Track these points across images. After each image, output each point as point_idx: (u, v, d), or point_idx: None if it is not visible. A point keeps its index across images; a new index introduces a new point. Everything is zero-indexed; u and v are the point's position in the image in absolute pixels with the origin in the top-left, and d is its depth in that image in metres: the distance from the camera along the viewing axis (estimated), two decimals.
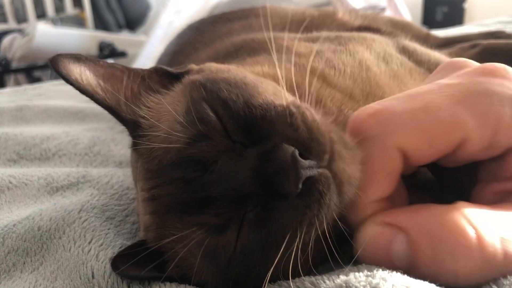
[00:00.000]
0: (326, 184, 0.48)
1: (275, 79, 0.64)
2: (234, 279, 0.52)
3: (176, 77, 0.65)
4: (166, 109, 0.58)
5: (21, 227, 0.70)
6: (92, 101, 0.59)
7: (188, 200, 0.51)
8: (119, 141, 1.16)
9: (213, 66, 0.68)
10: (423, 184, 0.65)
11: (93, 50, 4.31)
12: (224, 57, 0.96)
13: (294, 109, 0.52)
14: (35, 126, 1.27)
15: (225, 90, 0.55)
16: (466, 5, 5.00)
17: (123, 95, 0.60)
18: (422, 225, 0.46)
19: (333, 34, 1.00)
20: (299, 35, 1.01)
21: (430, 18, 5.18)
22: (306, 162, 0.47)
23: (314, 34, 1.03)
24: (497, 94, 0.47)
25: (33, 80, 4.24)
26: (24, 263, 0.66)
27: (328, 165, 0.49)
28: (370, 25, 1.32)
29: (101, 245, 0.63)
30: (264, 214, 0.49)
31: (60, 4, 5.08)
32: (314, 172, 0.48)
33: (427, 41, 1.60)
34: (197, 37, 1.26)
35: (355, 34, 0.99)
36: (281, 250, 0.49)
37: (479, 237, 0.43)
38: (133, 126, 0.59)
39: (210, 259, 0.51)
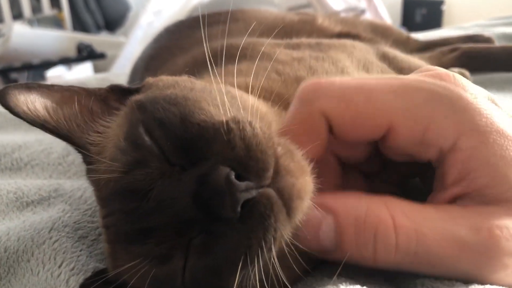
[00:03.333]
0: (269, 205, 0.45)
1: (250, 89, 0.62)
2: None
3: (134, 94, 0.62)
4: (112, 133, 0.56)
5: None
6: None
7: (130, 231, 0.49)
8: None
9: (163, 80, 0.65)
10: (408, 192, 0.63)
11: (72, 52, 4.23)
12: (202, 64, 0.92)
13: (233, 125, 0.48)
14: (6, 133, 1.22)
15: (161, 110, 0.52)
16: (445, 8, 5.06)
17: (77, 120, 0.59)
18: (349, 210, 0.47)
19: (313, 40, 0.98)
20: (279, 41, 0.99)
21: (409, 20, 5.23)
22: (242, 184, 0.44)
23: (294, 40, 1.01)
24: (435, 93, 0.48)
25: (9, 82, 4.14)
26: None
27: (273, 182, 0.46)
28: (350, 31, 1.31)
29: (72, 269, 0.59)
30: (210, 240, 0.47)
31: (37, 5, 4.97)
32: (252, 194, 0.44)
33: (407, 44, 1.61)
34: (174, 42, 1.22)
35: (335, 41, 0.98)
36: (237, 276, 0.46)
37: (396, 226, 0.45)
38: (84, 154, 0.58)
39: None
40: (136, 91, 0.63)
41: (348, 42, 0.96)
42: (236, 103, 0.54)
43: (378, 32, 1.54)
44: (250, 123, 0.49)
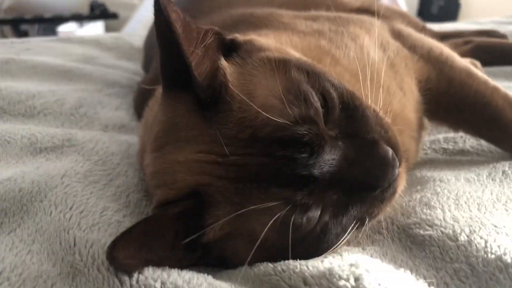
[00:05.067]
0: (399, 183, 0.59)
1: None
2: (296, 253, 0.54)
3: (228, 46, 0.63)
4: (254, 80, 0.58)
5: (2, 188, 0.69)
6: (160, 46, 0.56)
7: (287, 175, 0.52)
8: (106, 104, 1.14)
9: (270, 44, 0.67)
10: None
11: (84, 10, 4.19)
12: (222, 29, 0.93)
13: (382, 114, 0.61)
14: (20, 81, 1.24)
15: (328, 79, 0.58)
16: (462, 1, 5.00)
17: (197, 53, 0.56)
18: None
19: (332, 14, 0.98)
20: (298, 13, 0.99)
21: (425, 11, 5.17)
22: (398, 164, 0.56)
23: (313, 12, 1.02)
24: None
25: (19, 33, 4.11)
26: (2, 224, 0.65)
27: None
28: (369, 7, 1.31)
29: (82, 211, 0.62)
30: (344, 200, 0.55)
31: None
32: (397, 172, 0.56)
33: (423, 33, 1.61)
34: (193, 5, 1.22)
35: (354, 16, 0.98)
36: (346, 235, 0.56)
37: None
38: (206, 89, 0.56)
39: (282, 232, 0.52)
40: (230, 43, 0.64)
41: (366, 18, 0.97)
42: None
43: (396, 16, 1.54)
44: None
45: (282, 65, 0.58)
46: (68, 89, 1.19)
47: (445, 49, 0.93)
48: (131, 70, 1.51)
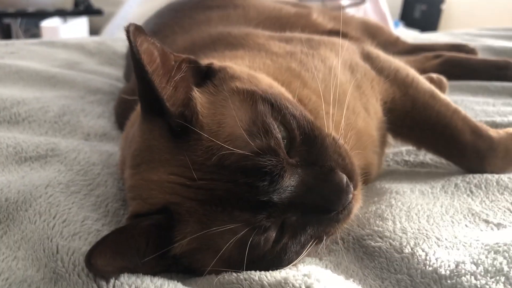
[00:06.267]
0: (355, 205, 0.65)
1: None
2: (259, 268, 0.60)
3: (204, 74, 0.68)
4: (224, 111, 0.63)
5: None
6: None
7: (248, 200, 0.57)
8: (88, 112, 1.19)
9: (243, 72, 0.71)
10: None
11: (68, 5, 4.18)
12: (201, 48, 0.99)
13: (340, 142, 0.67)
14: (5, 87, 1.28)
15: (290, 112, 0.63)
16: (444, 7, 5.09)
17: (169, 87, 0.61)
18: None
19: (305, 36, 1.04)
20: (273, 34, 1.05)
21: (408, 15, 5.27)
22: (351, 189, 0.61)
23: (287, 34, 1.08)
24: None
25: (1, 27, 4.10)
26: None
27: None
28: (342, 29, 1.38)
29: (64, 221, 0.67)
30: (302, 221, 0.61)
31: None
32: (351, 197, 0.62)
33: (395, 46, 1.69)
34: (176, 21, 1.28)
35: (325, 38, 1.04)
36: (304, 251, 0.62)
37: None
38: (179, 118, 0.60)
39: (243, 250, 0.58)
40: (206, 72, 0.69)
41: (336, 40, 1.02)
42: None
43: (369, 31, 1.61)
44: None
45: (250, 97, 0.64)
46: (52, 95, 1.23)
47: (411, 71, 0.99)
48: (114, 76, 1.55)
